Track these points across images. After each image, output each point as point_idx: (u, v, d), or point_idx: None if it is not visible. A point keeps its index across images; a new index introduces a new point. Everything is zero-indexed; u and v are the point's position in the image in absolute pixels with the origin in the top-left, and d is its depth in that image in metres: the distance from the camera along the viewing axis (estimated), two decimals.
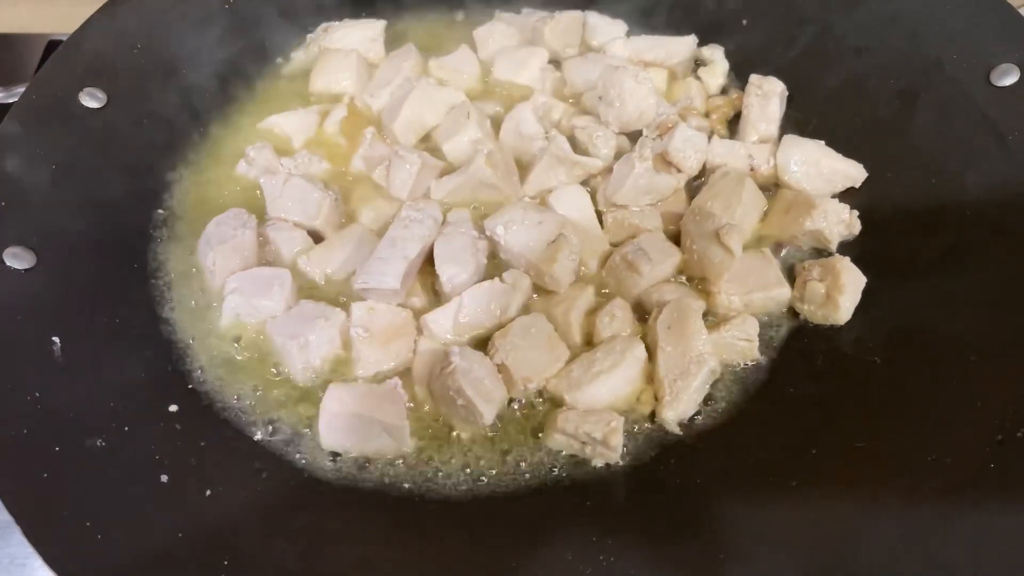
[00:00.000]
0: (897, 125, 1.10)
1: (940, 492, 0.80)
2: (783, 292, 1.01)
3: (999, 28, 1.04)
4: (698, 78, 1.25)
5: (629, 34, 1.31)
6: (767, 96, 1.16)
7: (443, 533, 0.87)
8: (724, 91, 1.26)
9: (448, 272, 1.00)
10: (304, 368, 0.96)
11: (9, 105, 1.13)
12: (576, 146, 1.14)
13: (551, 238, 1.01)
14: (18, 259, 0.93)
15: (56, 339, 0.91)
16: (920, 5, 1.11)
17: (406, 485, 0.91)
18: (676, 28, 1.29)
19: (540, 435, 0.94)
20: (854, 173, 1.09)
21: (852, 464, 0.86)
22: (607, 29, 1.31)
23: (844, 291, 0.98)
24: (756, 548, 0.81)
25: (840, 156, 1.10)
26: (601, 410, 0.92)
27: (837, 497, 0.83)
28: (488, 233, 1.04)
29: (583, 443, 0.91)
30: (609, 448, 0.89)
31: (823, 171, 1.09)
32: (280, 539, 0.83)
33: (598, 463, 0.91)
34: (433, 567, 0.83)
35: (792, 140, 1.12)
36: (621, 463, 0.92)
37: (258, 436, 0.93)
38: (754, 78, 1.18)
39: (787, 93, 1.19)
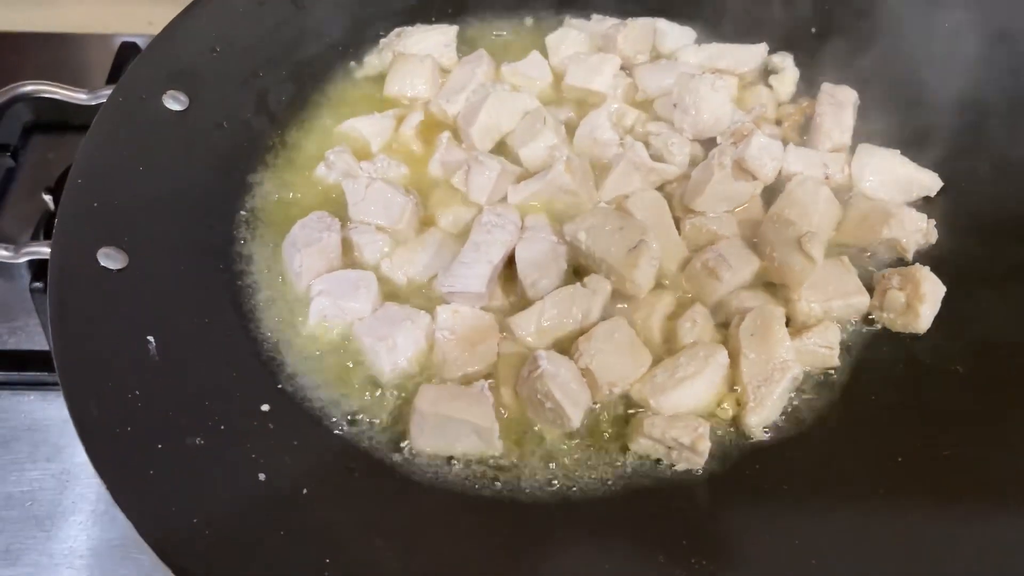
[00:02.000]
0: (972, 134, 1.11)
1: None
2: (862, 300, 1.02)
3: None
4: (769, 86, 1.26)
5: (698, 41, 1.32)
6: (841, 105, 1.17)
7: (533, 535, 0.88)
8: (794, 100, 1.26)
9: (531, 277, 1.02)
10: (392, 369, 0.97)
11: (93, 107, 1.16)
12: (651, 152, 1.14)
13: (632, 244, 1.02)
14: (112, 259, 0.95)
15: (151, 339, 0.92)
16: (995, 13, 1.12)
17: (495, 486, 0.92)
18: (744, 36, 1.30)
19: (624, 439, 0.95)
20: (929, 182, 1.10)
21: (940, 473, 0.87)
22: (677, 36, 1.32)
23: (925, 300, 0.99)
24: (846, 555, 0.82)
25: (915, 165, 1.11)
26: (687, 415, 0.93)
27: (927, 506, 0.84)
28: (568, 238, 1.05)
29: (669, 448, 0.92)
30: (696, 453, 0.90)
31: (898, 180, 1.10)
32: (377, 539, 0.84)
33: (682, 468, 0.92)
34: (527, 568, 0.84)
35: (867, 149, 1.13)
36: (707, 469, 0.92)
37: (348, 436, 0.94)
38: (826, 86, 1.19)
39: (859, 102, 1.19)
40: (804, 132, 1.22)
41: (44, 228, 1.18)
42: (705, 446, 0.91)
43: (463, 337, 0.98)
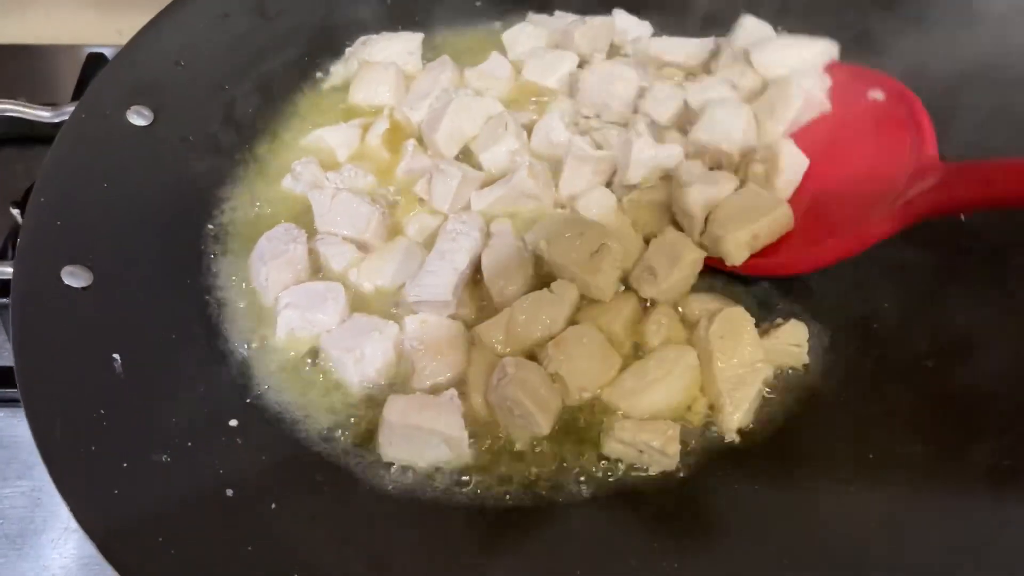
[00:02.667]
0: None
1: (1001, 493, 0.82)
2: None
3: None
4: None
5: (654, 35, 1.32)
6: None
7: (507, 543, 0.88)
8: None
9: (498, 284, 1.01)
10: (361, 381, 0.97)
11: (57, 124, 1.16)
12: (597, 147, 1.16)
13: (594, 248, 1.02)
14: (75, 277, 0.94)
15: (117, 356, 0.92)
16: None
17: (467, 494, 0.91)
18: (710, 27, 1.30)
19: (595, 443, 0.95)
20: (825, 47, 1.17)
21: (912, 467, 0.87)
22: (634, 30, 1.33)
23: (782, 172, 1.04)
24: (821, 552, 0.82)
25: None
26: (657, 419, 0.93)
27: (899, 501, 0.84)
28: (531, 246, 1.05)
29: (640, 451, 0.92)
30: (667, 456, 0.91)
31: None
32: (348, 551, 0.84)
33: (654, 471, 0.92)
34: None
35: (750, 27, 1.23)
36: (678, 471, 0.92)
37: (317, 449, 0.94)
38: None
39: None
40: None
41: (11, 243, 1.17)
42: (675, 448, 0.91)
43: (432, 346, 0.98)
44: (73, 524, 0.98)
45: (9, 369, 1.10)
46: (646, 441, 0.90)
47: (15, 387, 0.99)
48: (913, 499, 0.85)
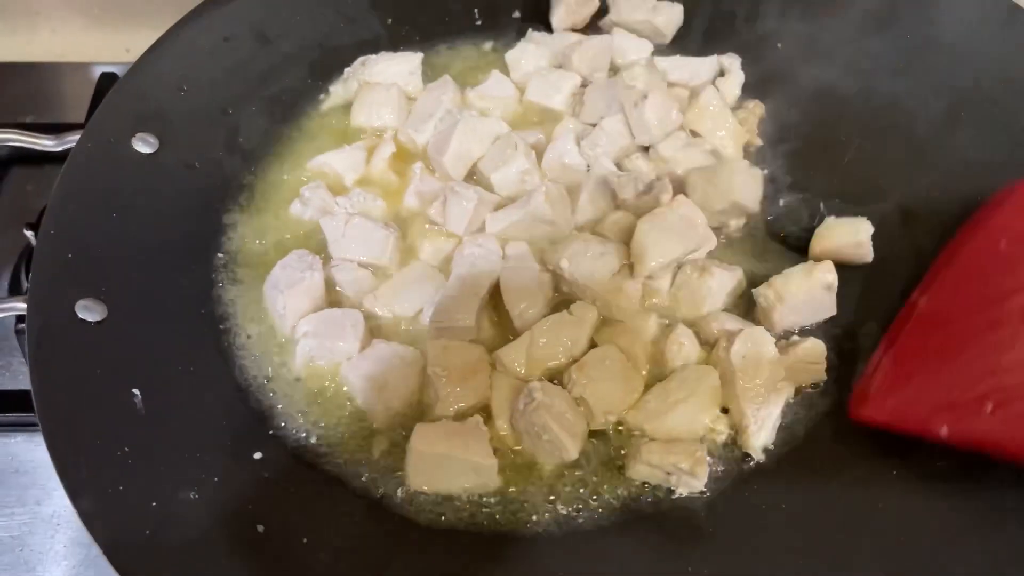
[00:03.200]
0: (937, 145, 1.13)
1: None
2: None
3: None
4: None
5: (655, 55, 1.32)
6: None
7: (538, 568, 0.88)
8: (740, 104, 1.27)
9: (518, 307, 1.01)
10: (385, 410, 0.96)
11: (61, 153, 1.14)
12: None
13: (615, 268, 1.02)
14: (90, 311, 0.93)
15: (136, 391, 0.90)
16: (954, 26, 1.14)
17: (496, 522, 0.91)
18: (710, 50, 1.31)
19: (621, 466, 0.95)
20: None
21: (936, 481, 0.88)
22: (634, 50, 1.32)
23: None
24: (853, 568, 0.84)
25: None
26: (684, 440, 0.94)
27: (927, 518, 0.86)
28: (551, 267, 1.05)
29: (668, 473, 0.92)
30: (695, 477, 0.91)
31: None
32: None
33: (683, 492, 0.93)
34: None
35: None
36: (706, 492, 0.93)
37: (344, 479, 0.93)
38: None
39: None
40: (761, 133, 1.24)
41: (26, 264, 1.17)
42: (704, 470, 0.91)
43: (455, 372, 0.97)
44: (95, 551, 0.98)
45: (24, 392, 1.10)
46: (674, 463, 0.91)
47: (32, 411, 0.98)
48: (939, 512, 0.86)
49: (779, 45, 1.28)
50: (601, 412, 0.95)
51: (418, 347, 1.01)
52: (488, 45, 1.37)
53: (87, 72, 1.46)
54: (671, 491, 0.93)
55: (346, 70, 1.30)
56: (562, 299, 1.06)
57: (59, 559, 1.03)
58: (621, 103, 1.19)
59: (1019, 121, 1.08)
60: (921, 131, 1.14)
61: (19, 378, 1.15)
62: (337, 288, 1.06)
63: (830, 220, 1.09)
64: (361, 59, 1.30)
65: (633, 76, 1.23)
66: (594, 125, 1.21)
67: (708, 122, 1.21)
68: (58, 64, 1.49)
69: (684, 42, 1.34)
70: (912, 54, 1.17)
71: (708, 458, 0.94)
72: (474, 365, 0.98)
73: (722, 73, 1.29)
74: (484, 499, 0.93)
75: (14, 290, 1.19)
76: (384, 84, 1.26)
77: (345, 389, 0.99)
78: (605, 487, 0.94)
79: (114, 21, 1.49)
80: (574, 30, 1.36)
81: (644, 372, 1.01)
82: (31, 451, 1.09)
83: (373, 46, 1.31)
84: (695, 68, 1.28)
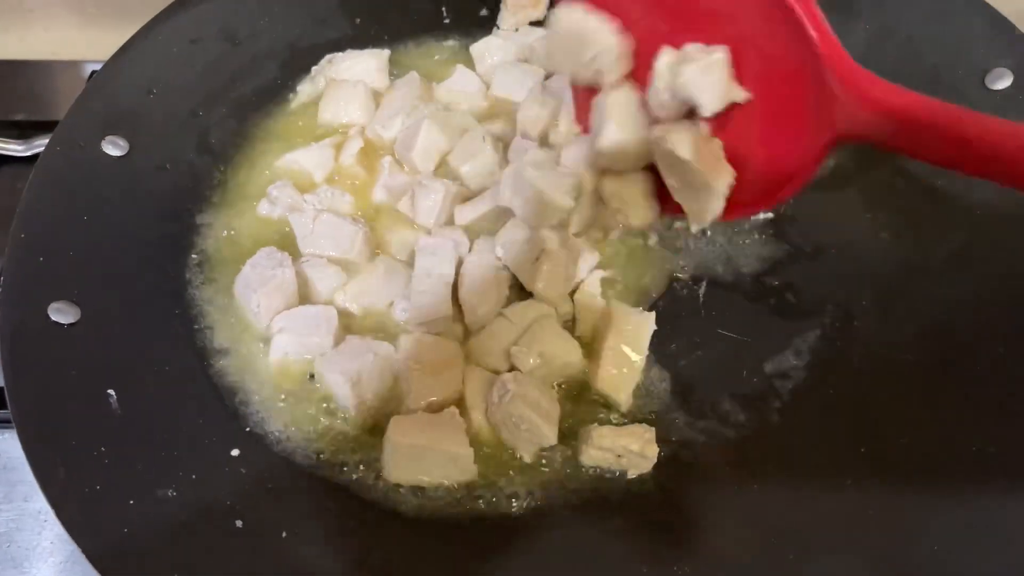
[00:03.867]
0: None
1: (986, 480, 0.86)
2: None
3: (990, 34, 1.09)
4: None
5: None
6: None
7: (520, 554, 0.90)
8: None
9: (471, 302, 1.03)
10: (359, 403, 0.97)
11: (30, 158, 1.14)
12: None
13: (535, 255, 1.04)
14: (63, 314, 0.93)
15: (112, 392, 0.91)
16: (912, 15, 1.17)
17: (474, 509, 0.93)
18: None
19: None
20: None
21: (901, 460, 0.90)
22: None
23: None
24: (821, 547, 0.86)
25: None
26: (633, 425, 0.96)
27: (892, 492, 0.88)
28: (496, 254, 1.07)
29: (619, 456, 0.94)
30: (645, 458, 0.93)
31: None
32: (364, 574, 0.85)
33: (633, 475, 0.95)
34: None
35: None
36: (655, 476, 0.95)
37: (322, 473, 0.94)
38: None
39: None
40: None
41: None
42: (653, 451, 0.93)
43: (428, 365, 0.98)
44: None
45: None
46: (625, 445, 0.92)
47: None
48: (907, 490, 0.88)
49: None
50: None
51: (391, 341, 1.01)
52: (456, 43, 1.38)
53: (79, 70, 1.46)
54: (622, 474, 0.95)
55: (313, 68, 1.30)
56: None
57: (46, 555, 1.04)
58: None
59: (976, 107, 1.10)
60: None
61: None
62: (308, 285, 1.06)
63: None
64: (328, 57, 1.31)
65: None
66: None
67: None
68: (50, 62, 1.49)
69: None
70: (870, 44, 1.19)
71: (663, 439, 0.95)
72: (447, 359, 1.00)
73: None
74: (462, 488, 0.94)
75: None
76: (351, 81, 1.26)
77: (319, 385, 1.00)
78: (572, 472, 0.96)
79: (106, 19, 1.51)
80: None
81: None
82: (19, 448, 1.08)
83: (342, 46, 1.32)
84: None
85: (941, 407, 0.93)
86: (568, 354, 1.00)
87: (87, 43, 1.55)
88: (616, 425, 0.96)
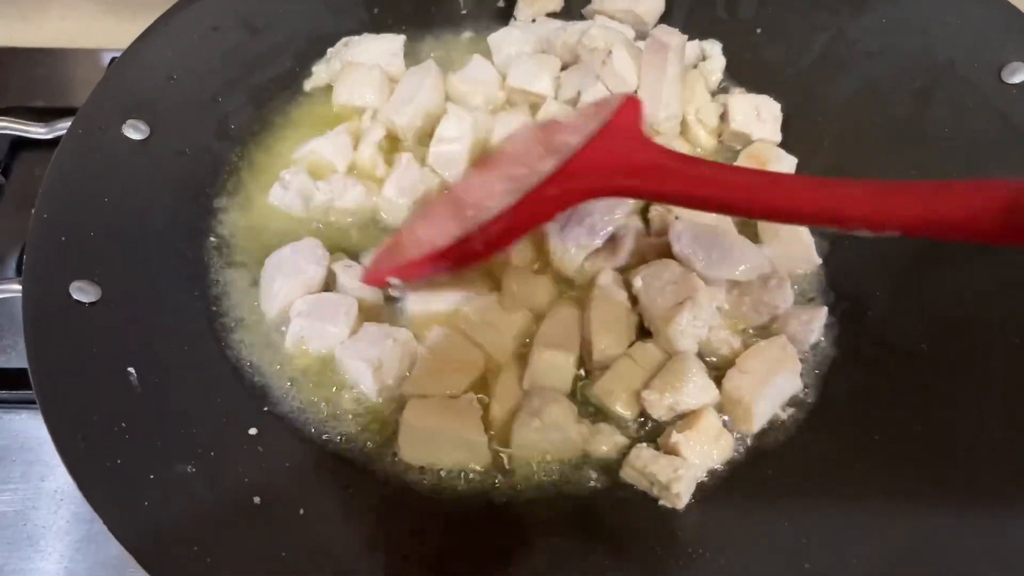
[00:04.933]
0: (913, 125, 1.16)
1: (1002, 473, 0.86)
2: None
3: (1007, 28, 1.10)
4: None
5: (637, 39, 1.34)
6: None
7: (535, 538, 0.90)
8: (725, 90, 1.31)
9: (602, 342, 1.01)
10: (380, 388, 0.98)
11: (52, 140, 1.15)
12: None
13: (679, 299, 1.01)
14: (84, 293, 0.94)
15: (132, 370, 0.92)
16: (928, 8, 1.17)
17: (488, 494, 0.94)
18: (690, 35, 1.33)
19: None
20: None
21: (916, 450, 0.91)
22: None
23: None
24: (836, 537, 0.86)
25: None
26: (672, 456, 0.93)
27: (906, 482, 0.88)
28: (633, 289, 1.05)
29: (651, 483, 0.92)
30: (670, 492, 0.90)
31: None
32: (380, 553, 0.85)
33: (665, 505, 0.92)
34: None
35: None
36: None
37: (340, 453, 0.95)
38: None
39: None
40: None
41: None
42: (679, 488, 0.89)
43: (440, 360, 0.99)
44: (97, 526, 0.99)
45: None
46: (654, 473, 0.90)
47: None
48: (922, 480, 0.89)
49: (758, 31, 1.30)
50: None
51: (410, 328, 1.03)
52: (472, 34, 1.38)
53: (97, 58, 1.48)
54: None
55: (329, 50, 1.31)
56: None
57: (62, 534, 1.04)
58: (590, 67, 1.20)
59: (992, 100, 1.11)
60: (898, 112, 1.17)
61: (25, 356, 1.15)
62: (335, 281, 1.07)
63: None
64: (344, 40, 1.31)
65: (592, 38, 1.23)
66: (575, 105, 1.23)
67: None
68: (68, 50, 1.50)
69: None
70: (885, 37, 1.20)
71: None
72: (462, 363, 0.99)
73: (704, 58, 1.32)
74: (476, 472, 0.95)
75: (21, 271, 1.19)
76: (367, 65, 1.26)
77: (337, 367, 1.01)
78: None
79: (124, 8, 1.52)
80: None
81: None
82: (38, 428, 1.10)
83: (360, 31, 1.32)
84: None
85: (954, 397, 0.93)
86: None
87: (105, 31, 1.56)
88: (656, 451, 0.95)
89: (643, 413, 0.98)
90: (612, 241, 1.08)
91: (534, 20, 1.37)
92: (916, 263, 1.06)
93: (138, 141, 1.09)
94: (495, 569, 0.87)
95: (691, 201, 0.85)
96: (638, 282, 1.03)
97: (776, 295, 1.03)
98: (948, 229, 0.71)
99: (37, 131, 1.14)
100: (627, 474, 0.94)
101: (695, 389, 0.96)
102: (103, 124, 1.07)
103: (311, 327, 1.01)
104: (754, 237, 1.10)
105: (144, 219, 1.05)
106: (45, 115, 1.24)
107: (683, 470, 0.90)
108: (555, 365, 0.98)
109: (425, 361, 0.99)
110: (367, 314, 1.05)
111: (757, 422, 0.97)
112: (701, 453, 0.93)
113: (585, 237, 1.06)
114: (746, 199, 0.81)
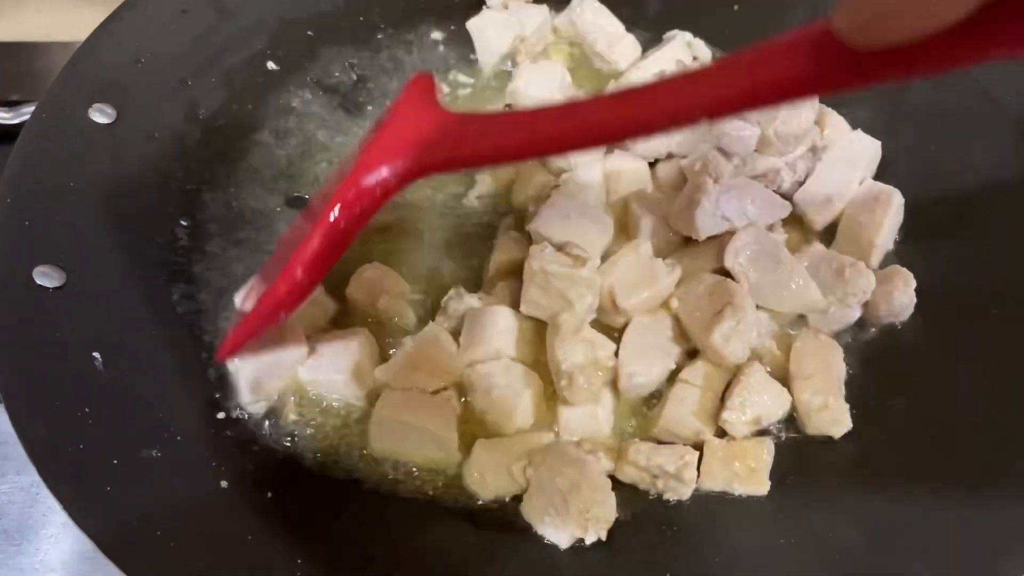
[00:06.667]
0: (897, 100, 1.14)
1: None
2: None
3: None
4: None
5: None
6: None
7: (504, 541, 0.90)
8: None
9: (629, 368, 0.97)
10: (367, 391, 0.97)
11: (17, 126, 1.13)
12: None
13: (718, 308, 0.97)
14: (48, 278, 0.92)
15: (97, 355, 0.90)
16: None
17: (439, 493, 0.92)
18: (667, 18, 1.32)
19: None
20: None
21: (895, 420, 0.90)
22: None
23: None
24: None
25: None
26: (675, 445, 0.92)
27: (886, 455, 0.88)
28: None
29: (655, 476, 0.90)
30: (683, 483, 0.89)
31: None
32: (345, 542, 0.85)
33: (671, 499, 0.91)
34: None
35: None
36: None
37: (305, 439, 0.94)
38: None
39: None
40: None
41: None
42: (692, 475, 0.89)
43: (414, 360, 0.97)
44: None
45: None
46: (660, 465, 0.88)
47: None
48: (900, 452, 0.88)
49: (736, 8, 1.29)
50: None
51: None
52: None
53: (73, 51, 1.43)
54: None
55: None
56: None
57: (37, 527, 1.03)
58: None
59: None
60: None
61: None
62: None
63: None
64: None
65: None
66: None
67: None
68: (44, 43, 1.48)
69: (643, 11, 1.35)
70: None
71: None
72: (436, 369, 0.96)
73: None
74: (440, 472, 0.93)
75: None
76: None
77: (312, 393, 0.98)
78: None
79: (100, 1, 1.49)
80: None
81: None
82: (7, 423, 1.07)
83: (332, 20, 1.31)
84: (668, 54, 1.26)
85: (934, 367, 0.93)
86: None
87: (81, 24, 1.52)
88: (657, 443, 0.93)
89: (719, 433, 0.94)
90: None
91: (506, 6, 1.35)
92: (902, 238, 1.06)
93: (105, 125, 1.07)
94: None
95: (512, 152, 0.74)
96: (674, 302, 0.99)
97: (858, 281, 0.96)
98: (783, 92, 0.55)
99: (2, 116, 1.12)
100: (625, 473, 0.91)
101: (772, 399, 0.93)
102: (69, 108, 1.05)
103: (262, 368, 0.95)
104: None
105: (111, 204, 1.03)
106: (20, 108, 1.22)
107: (690, 456, 0.88)
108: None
109: (407, 356, 0.97)
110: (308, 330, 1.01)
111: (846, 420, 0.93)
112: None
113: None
114: (567, 133, 0.68)
